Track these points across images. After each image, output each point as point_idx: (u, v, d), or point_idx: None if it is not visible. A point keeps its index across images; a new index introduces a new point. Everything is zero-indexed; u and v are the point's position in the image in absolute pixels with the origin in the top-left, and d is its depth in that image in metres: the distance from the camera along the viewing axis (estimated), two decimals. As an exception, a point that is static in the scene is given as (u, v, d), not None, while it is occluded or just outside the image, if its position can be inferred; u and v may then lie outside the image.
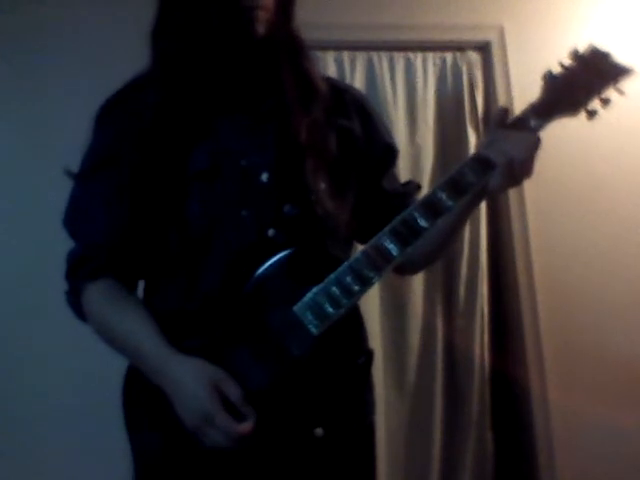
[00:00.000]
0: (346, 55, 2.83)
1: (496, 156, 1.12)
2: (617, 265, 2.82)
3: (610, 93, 1.20)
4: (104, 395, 2.35)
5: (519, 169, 1.12)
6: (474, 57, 2.92)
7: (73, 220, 1.26)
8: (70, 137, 2.61)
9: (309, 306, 1.11)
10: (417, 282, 2.76)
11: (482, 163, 1.12)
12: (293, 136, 1.19)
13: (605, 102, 1.19)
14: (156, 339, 1.13)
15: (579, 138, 2.76)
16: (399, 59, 2.88)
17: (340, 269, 1.12)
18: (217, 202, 1.16)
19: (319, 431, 1.13)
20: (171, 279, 1.20)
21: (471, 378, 2.76)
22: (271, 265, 1.13)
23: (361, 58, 2.85)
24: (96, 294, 1.20)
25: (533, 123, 1.16)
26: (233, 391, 1.07)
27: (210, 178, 1.16)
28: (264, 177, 1.18)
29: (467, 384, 2.77)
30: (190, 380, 1.08)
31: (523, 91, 2.82)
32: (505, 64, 2.87)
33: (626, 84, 1.20)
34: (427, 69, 2.89)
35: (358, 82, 2.82)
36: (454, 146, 2.87)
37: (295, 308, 1.12)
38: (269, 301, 1.13)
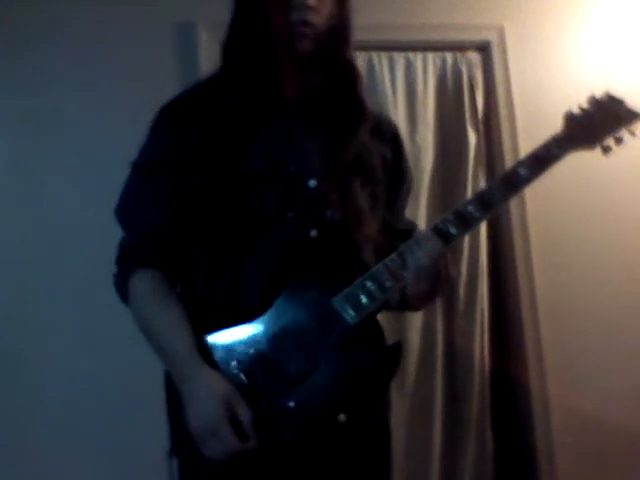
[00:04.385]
0: (346, 55, 2.83)
1: (410, 265, 1.23)
2: (617, 265, 2.82)
3: (623, 134, 1.37)
4: (110, 394, 2.38)
5: (425, 276, 1.24)
6: (474, 57, 2.92)
7: (128, 210, 1.33)
8: (69, 137, 2.61)
9: (347, 298, 1.22)
10: (417, 282, 2.76)
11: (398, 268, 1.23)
12: (341, 150, 1.31)
13: (618, 141, 1.37)
14: (188, 343, 1.20)
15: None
16: (399, 59, 2.87)
17: (376, 267, 1.23)
18: (266, 203, 1.25)
19: (342, 417, 1.22)
20: (216, 274, 1.27)
21: (471, 378, 2.76)
22: (308, 270, 1.24)
23: (361, 58, 2.84)
24: (142, 282, 1.27)
25: (555, 152, 1.32)
26: (244, 412, 1.15)
27: (261, 180, 1.26)
28: (311, 183, 1.28)
29: (467, 384, 2.77)
30: (208, 392, 1.16)
31: (523, 91, 2.82)
32: (505, 64, 2.87)
33: (638, 127, 1.38)
34: (427, 69, 2.89)
35: (358, 82, 2.82)
36: (454, 146, 2.87)
37: (333, 300, 1.22)
38: (308, 295, 1.23)
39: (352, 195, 1.30)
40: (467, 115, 2.86)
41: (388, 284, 1.22)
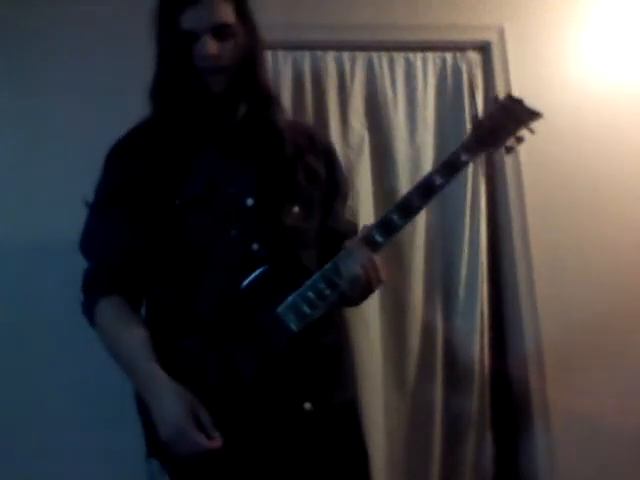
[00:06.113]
0: (346, 55, 2.83)
1: (344, 272, 1.36)
2: (616, 264, 2.82)
3: (523, 133, 1.44)
4: (108, 400, 2.38)
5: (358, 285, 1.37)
6: (474, 57, 2.92)
7: (89, 243, 1.47)
8: (69, 137, 2.59)
9: (290, 308, 1.36)
10: (417, 283, 2.76)
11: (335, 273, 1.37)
12: (271, 170, 1.46)
13: (519, 140, 1.44)
14: (149, 358, 1.33)
15: (578, 138, 2.76)
16: (399, 59, 2.87)
17: (314, 277, 1.36)
18: (210, 223, 1.40)
19: (308, 405, 1.37)
20: (172, 288, 1.42)
21: (471, 378, 2.76)
22: (256, 276, 1.37)
23: (361, 58, 2.85)
24: (106, 309, 1.41)
25: (464, 158, 1.45)
26: (205, 414, 1.28)
27: (203, 204, 1.40)
28: (249, 202, 1.42)
29: (467, 384, 2.77)
30: (171, 399, 1.28)
31: (523, 91, 2.80)
32: (505, 64, 2.87)
33: (536, 125, 1.44)
34: (427, 69, 2.88)
35: (358, 82, 2.82)
36: (454, 146, 2.85)
37: (279, 309, 1.36)
38: (257, 304, 1.36)
39: (284, 210, 1.44)
40: (467, 115, 2.86)
41: (326, 292, 1.35)
